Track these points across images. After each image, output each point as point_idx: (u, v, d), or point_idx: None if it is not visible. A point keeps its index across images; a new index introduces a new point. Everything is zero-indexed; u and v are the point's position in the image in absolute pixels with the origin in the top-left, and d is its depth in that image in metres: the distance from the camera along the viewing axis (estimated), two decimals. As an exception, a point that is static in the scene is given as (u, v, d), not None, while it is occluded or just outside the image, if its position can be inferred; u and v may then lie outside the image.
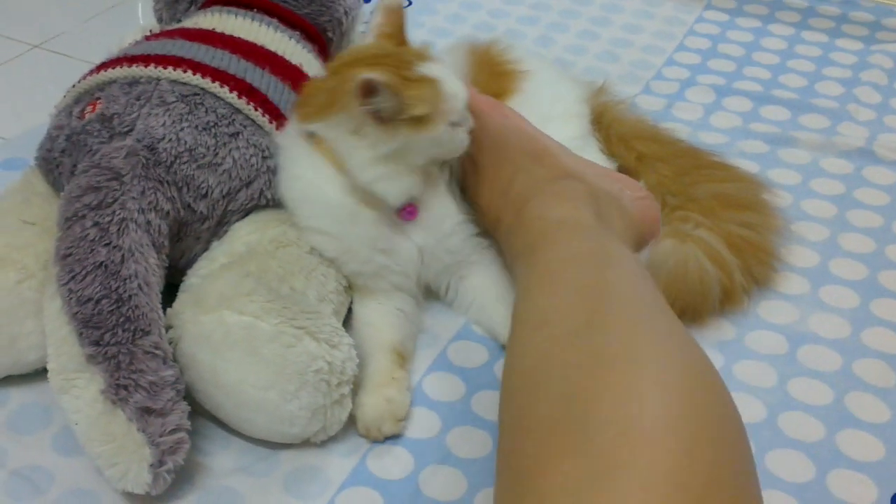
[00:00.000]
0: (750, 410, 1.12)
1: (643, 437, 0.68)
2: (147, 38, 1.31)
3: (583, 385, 0.74)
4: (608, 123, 1.46)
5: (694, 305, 1.23)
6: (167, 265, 1.10)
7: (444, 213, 1.19)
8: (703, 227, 1.29)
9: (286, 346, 1.00)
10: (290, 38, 1.36)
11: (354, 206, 1.12)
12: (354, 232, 1.14)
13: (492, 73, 1.38)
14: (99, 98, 1.17)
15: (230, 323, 1.00)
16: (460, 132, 1.13)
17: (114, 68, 1.20)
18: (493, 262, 1.25)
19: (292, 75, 1.28)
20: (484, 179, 1.21)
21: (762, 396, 1.14)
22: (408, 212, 1.15)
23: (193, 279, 1.11)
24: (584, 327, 0.81)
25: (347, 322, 1.19)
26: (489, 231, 1.23)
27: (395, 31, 1.15)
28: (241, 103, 1.18)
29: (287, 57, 1.32)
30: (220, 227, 1.16)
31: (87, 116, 1.16)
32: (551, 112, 1.38)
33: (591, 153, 1.39)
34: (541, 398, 0.77)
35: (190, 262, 1.15)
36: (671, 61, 1.85)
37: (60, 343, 0.99)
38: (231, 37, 1.29)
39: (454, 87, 1.10)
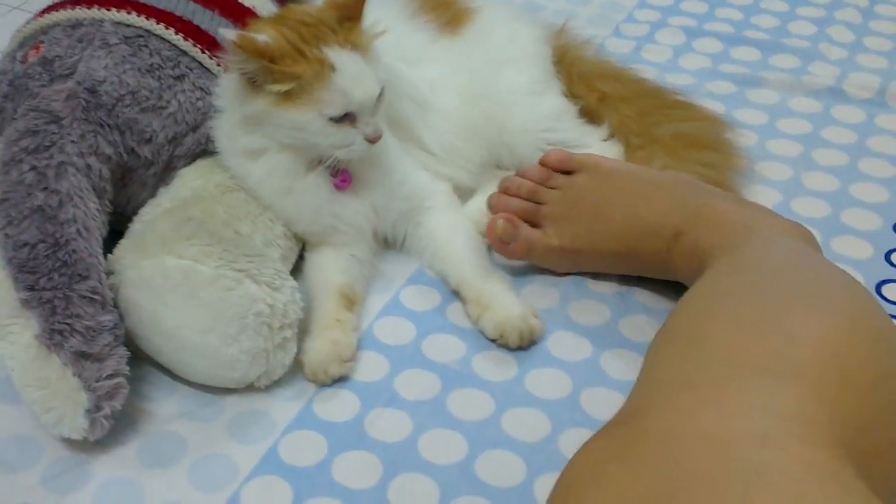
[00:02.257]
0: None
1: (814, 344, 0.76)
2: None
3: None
4: (569, 63, 1.43)
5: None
6: (111, 211, 1.09)
7: (389, 167, 1.17)
8: (666, 168, 1.28)
9: (225, 290, 0.99)
10: (247, -23, 1.33)
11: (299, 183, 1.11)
12: (291, 199, 1.13)
13: (438, 11, 1.34)
14: (42, 42, 1.15)
15: (170, 267, 0.99)
16: (348, 132, 1.06)
17: (57, 11, 1.18)
18: (448, 206, 1.23)
19: (243, 18, 1.26)
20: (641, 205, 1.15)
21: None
22: (341, 180, 1.13)
23: (137, 225, 1.10)
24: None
25: (299, 268, 1.18)
26: (657, 252, 1.13)
27: (351, 3, 1.08)
28: (188, 45, 1.16)
29: (248, 4, 1.29)
30: (166, 172, 1.15)
31: (30, 60, 1.14)
32: (506, 54, 1.35)
33: (553, 96, 1.37)
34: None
35: (136, 209, 1.14)
36: (643, 3, 1.82)
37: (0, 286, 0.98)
38: (183, -22, 1.26)
39: (352, 84, 1.03)
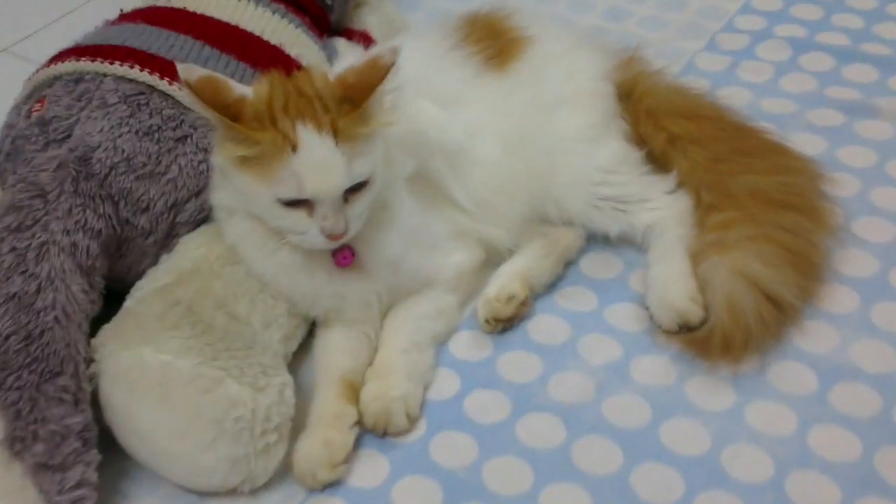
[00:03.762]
0: (756, 467, 0.97)
1: None
2: (111, 21, 1.21)
3: None
4: (638, 98, 1.27)
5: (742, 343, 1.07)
6: (103, 287, 1.03)
7: (399, 242, 1.06)
8: (748, 240, 1.11)
9: (203, 391, 0.92)
10: (274, 13, 1.23)
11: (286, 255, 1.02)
12: (287, 277, 1.04)
13: (486, 42, 1.19)
14: (45, 96, 1.09)
15: (147, 362, 0.93)
16: (301, 220, 0.95)
17: (63, 62, 1.11)
18: (449, 289, 1.13)
19: (267, 59, 1.16)
20: None
21: (773, 449, 0.99)
22: (342, 257, 1.02)
23: (128, 302, 1.03)
24: None
25: (310, 343, 1.09)
26: None
27: (359, 84, 0.95)
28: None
29: (265, 36, 1.19)
30: (168, 240, 1.08)
31: (33, 115, 1.08)
32: (559, 93, 1.20)
33: (611, 142, 1.21)
34: None
35: (138, 276, 1.07)
36: (747, 7, 1.61)
37: (-29, 381, 0.93)
38: (201, 17, 1.18)
39: (309, 171, 0.91)
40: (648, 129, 1.25)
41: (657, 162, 1.24)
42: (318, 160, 0.92)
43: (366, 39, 1.37)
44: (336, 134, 0.93)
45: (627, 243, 1.21)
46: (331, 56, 1.30)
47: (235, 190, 0.98)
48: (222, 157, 0.95)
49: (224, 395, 0.91)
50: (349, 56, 1.19)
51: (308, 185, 0.92)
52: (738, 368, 1.07)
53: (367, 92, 0.94)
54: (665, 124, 1.24)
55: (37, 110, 1.08)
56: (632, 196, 1.19)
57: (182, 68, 0.91)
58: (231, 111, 0.92)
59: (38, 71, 1.15)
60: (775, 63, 1.48)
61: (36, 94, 1.12)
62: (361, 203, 0.97)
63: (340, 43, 1.35)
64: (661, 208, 1.19)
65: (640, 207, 1.19)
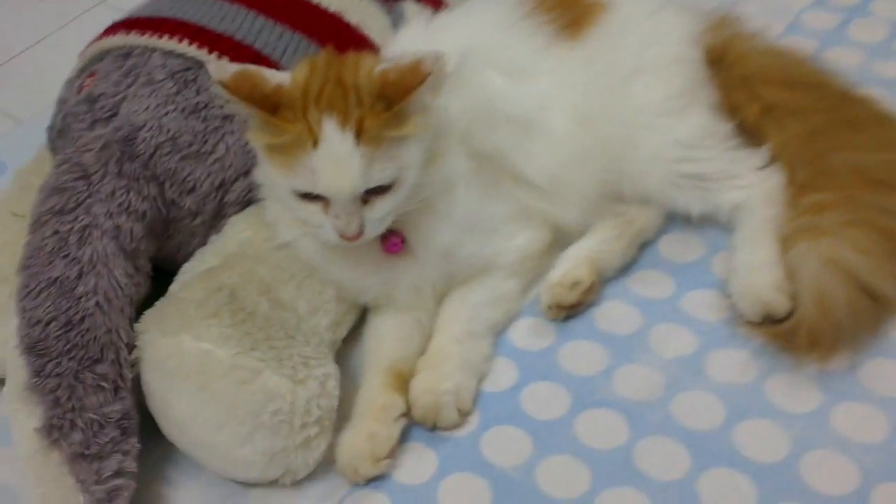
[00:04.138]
0: (840, 477, 0.88)
1: None
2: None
3: None
4: (731, 63, 1.15)
5: (831, 338, 0.97)
6: (150, 269, 1.01)
7: (454, 228, 1.00)
8: (844, 225, 1.00)
9: (240, 383, 0.88)
10: (336, -24, 1.17)
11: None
12: (334, 263, 0.99)
13: (560, 10, 1.11)
14: (96, 70, 1.07)
15: (186, 350, 0.90)
16: (316, 215, 0.90)
17: (114, 35, 1.09)
18: (511, 273, 1.06)
19: (324, 29, 1.11)
20: None
21: (859, 457, 0.90)
22: (391, 244, 0.97)
23: (174, 286, 1.01)
24: None
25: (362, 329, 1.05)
26: None
27: (397, 85, 0.88)
28: (241, 77, 1.03)
29: (324, 3, 1.14)
30: (216, 220, 1.05)
31: (83, 91, 1.06)
32: (639, 61, 1.11)
33: (696, 115, 1.10)
34: None
35: (188, 256, 1.05)
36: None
37: (14, 364, 0.93)
38: (258, -17, 1.12)
39: (324, 168, 0.87)
40: (740, 98, 1.14)
41: (749, 134, 1.13)
42: (334, 159, 0.87)
43: (435, 3, 1.29)
44: (360, 133, 0.87)
45: (712, 223, 1.12)
46: (397, 21, 1.23)
47: (264, 172, 0.95)
48: (253, 140, 0.92)
49: (262, 388, 0.88)
50: (412, 27, 1.13)
51: (320, 181, 0.87)
52: (826, 366, 0.97)
53: (403, 94, 0.87)
54: (759, 92, 1.13)
55: (87, 86, 1.06)
56: (717, 173, 1.09)
57: (213, 67, 0.87)
58: (269, 103, 0.88)
59: (90, 44, 1.13)
60: (893, 21, 1.33)
61: (87, 68, 1.10)
62: (384, 206, 0.91)
63: (409, 6, 1.27)
64: (750, 186, 1.09)
65: (726, 185, 1.09)
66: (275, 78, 0.89)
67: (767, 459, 0.91)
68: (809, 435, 0.92)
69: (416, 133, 0.90)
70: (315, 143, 0.87)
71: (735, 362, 0.99)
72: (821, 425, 0.92)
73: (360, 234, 0.90)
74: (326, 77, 0.89)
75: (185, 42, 1.04)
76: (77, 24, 1.70)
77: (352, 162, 0.87)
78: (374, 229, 0.92)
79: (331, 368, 0.94)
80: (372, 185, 0.89)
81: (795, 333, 0.97)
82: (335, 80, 0.89)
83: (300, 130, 0.87)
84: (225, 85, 0.87)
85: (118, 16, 1.15)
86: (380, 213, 0.91)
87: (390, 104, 0.88)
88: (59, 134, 1.08)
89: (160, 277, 1.03)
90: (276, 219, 1.00)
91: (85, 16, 1.71)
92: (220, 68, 0.87)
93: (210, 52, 1.03)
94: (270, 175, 0.93)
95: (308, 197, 0.90)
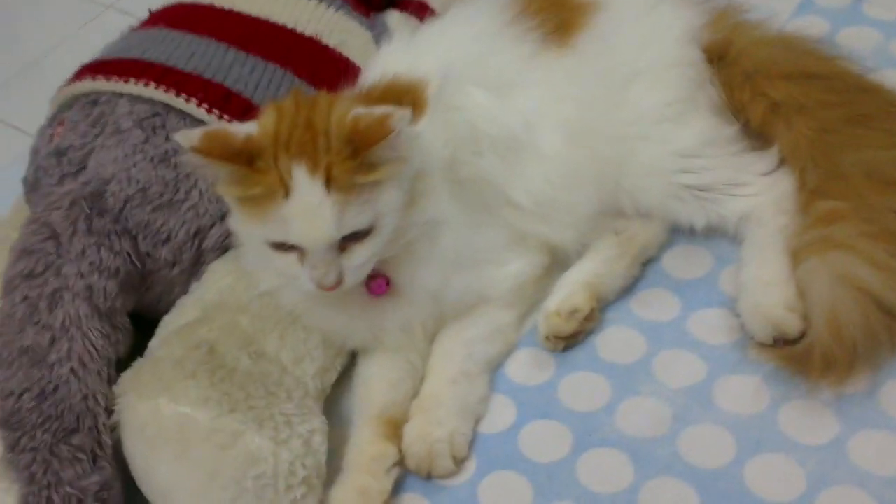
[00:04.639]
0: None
1: None
2: (137, 27, 1.14)
3: None
4: (734, 58, 1.08)
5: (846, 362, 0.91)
6: (128, 325, 0.98)
7: (439, 266, 0.95)
8: (858, 238, 0.94)
9: (221, 447, 0.85)
10: (309, -1, 1.12)
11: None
12: (317, 308, 0.95)
13: (546, 13, 1.04)
14: (64, 119, 1.04)
15: (164, 414, 0.87)
16: (292, 265, 0.86)
17: (82, 80, 1.05)
18: (505, 305, 1.01)
19: (300, 56, 1.07)
20: None
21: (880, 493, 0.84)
22: (376, 286, 0.92)
23: (153, 341, 0.97)
24: None
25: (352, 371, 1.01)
26: None
27: (366, 133, 0.83)
28: (211, 118, 0.99)
29: (299, 28, 1.09)
30: (196, 267, 1.01)
31: (54, 140, 1.03)
32: (634, 65, 1.04)
33: (696, 121, 1.04)
34: None
35: (169, 306, 1.01)
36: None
37: (-9, 437, 0.91)
38: (227, 14, 1.09)
39: (296, 219, 0.83)
40: (745, 97, 1.07)
41: (756, 136, 1.06)
42: (306, 208, 0.83)
43: (422, 10, 1.23)
44: (329, 180, 0.82)
45: (719, 234, 1.05)
46: (380, 34, 1.17)
47: (234, 221, 0.91)
48: (224, 194, 0.88)
49: (243, 451, 0.85)
50: (394, 44, 1.07)
51: (293, 231, 0.83)
52: (843, 390, 0.91)
53: (368, 145, 0.83)
54: (765, 89, 1.06)
55: (57, 134, 1.03)
56: (721, 182, 1.03)
57: (179, 137, 0.84)
58: (243, 157, 0.84)
59: (60, 89, 1.09)
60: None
61: (57, 116, 1.07)
62: (363, 253, 0.86)
63: (393, 17, 1.22)
64: (758, 194, 1.03)
65: (732, 194, 1.04)
66: (241, 130, 0.85)
67: (783, 498, 0.85)
68: (826, 470, 0.86)
69: (389, 178, 0.85)
70: (286, 193, 0.83)
71: (746, 390, 0.94)
72: (838, 459, 0.87)
73: (339, 283, 0.86)
74: (295, 121, 0.85)
75: (152, 85, 1.00)
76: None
77: (323, 210, 0.83)
78: (354, 277, 0.88)
79: (316, 423, 0.90)
80: (346, 231, 0.85)
81: (809, 356, 0.91)
82: (304, 125, 0.85)
83: (271, 181, 0.83)
84: (196, 150, 0.83)
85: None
86: (359, 260, 0.87)
87: (356, 152, 0.83)
88: (32, 187, 1.05)
89: (145, 326, 1.00)
90: (254, 266, 0.96)
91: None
92: (187, 137, 0.83)
93: (178, 94, 1.00)
94: (242, 226, 0.89)
95: (283, 247, 0.86)
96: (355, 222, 0.84)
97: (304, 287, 0.87)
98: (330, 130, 0.84)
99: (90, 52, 1.12)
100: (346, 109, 0.86)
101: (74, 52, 1.18)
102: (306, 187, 0.82)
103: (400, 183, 0.87)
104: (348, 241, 0.85)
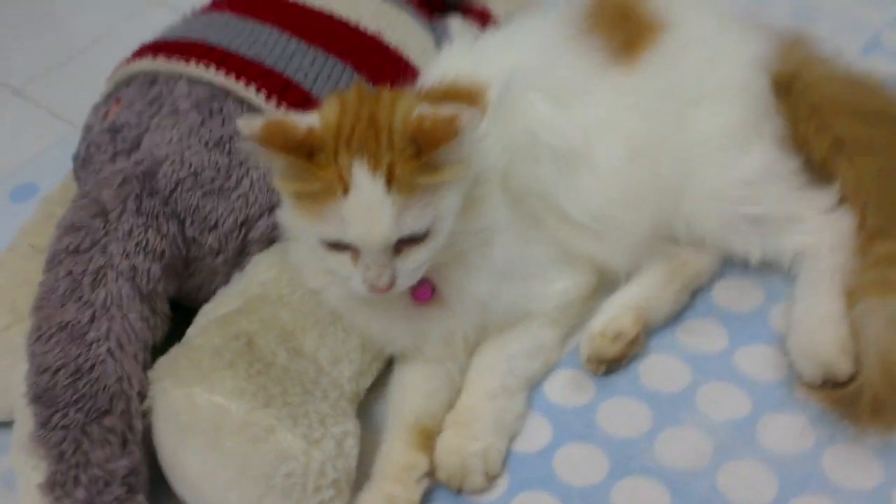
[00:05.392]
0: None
1: None
2: (200, 10, 1.13)
3: None
4: (801, 91, 1.06)
5: None
6: (168, 310, 0.96)
7: (488, 276, 0.93)
8: None
9: (253, 441, 0.83)
10: (376, -9, 1.11)
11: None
12: (361, 312, 0.94)
13: (614, 29, 1.02)
14: (120, 97, 1.03)
15: (199, 403, 0.85)
16: (345, 265, 0.84)
17: (141, 59, 1.04)
18: (550, 322, 0.99)
19: (361, 52, 1.05)
20: None
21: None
22: (420, 292, 0.91)
23: (191, 329, 0.96)
24: None
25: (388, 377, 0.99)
26: None
27: (432, 133, 0.81)
28: (269, 106, 0.98)
29: (362, 23, 1.08)
30: (239, 257, 0.99)
31: (108, 118, 1.02)
32: (699, 88, 1.02)
33: (760, 149, 1.02)
34: None
35: (209, 296, 1.00)
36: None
37: (22, 413, 0.89)
38: (292, 4, 1.07)
39: (354, 217, 0.81)
40: (810, 131, 1.04)
41: (817, 171, 1.04)
42: (364, 206, 0.81)
43: (483, 18, 1.22)
44: (391, 179, 0.80)
45: (773, 270, 1.03)
46: (441, 38, 1.16)
47: (290, 217, 0.89)
48: (280, 188, 0.86)
49: (275, 447, 0.83)
50: (455, 48, 1.05)
51: (351, 230, 0.81)
52: (891, 438, 0.88)
53: (433, 145, 0.81)
54: (831, 125, 1.03)
55: (112, 112, 1.02)
56: (780, 215, 1.01)
57: (241, 124, 0.81)
58: (303, 150, 0.82)
59: (118, 67, 1.09)
60: None
61: (114, 93, 1.06)
62: (418, 257, 0.84)
63: (454, 23, 1.21)
64: (816, 231, 1.01)
65: (790, 229, 1.01)
66: (303, 121, 0.83)
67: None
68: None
69: (451, 180, 0.84)
70: (345, 190, 0.81)
71: (791, 429, 0.91)
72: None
73: (391, 285, 0.84)
74: (358, 115, 0.83)
75: (213, 68, 0.99)
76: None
77: (383, 210, 0.81)
78: (406, 281, 0.86)
79: (350, 426, 0.88)
80: (404, 233, 0.83)
81: (858, 400, 0.88)
82: (367, 119, 0.83)
83: (331, 177, 0.81)
84: (256, 138, 0.81)
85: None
86: (413, 264, 0.85)
87: (420, 152, 0.81)
88: (82, 163, 1.04)
89: (181, 315, 0.99)
90: (302, 262, 0.95)
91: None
92: (247, 124, 0.81)
93: (237, 78, 0.98)
94: (296, 222, 0.87)
95: (337, 246, 0.84)
96: (414, 224, 0.82)
97: (355, 288, 0.85)
98: (394, 127, 0.82)
99: (131, 45, 1.11)
100: (411, 107, 0.84)
101: (116, 46, 1.17)
102: (367, 185, 0.80)
103: (460, 187, 0.85)
104: (404, 243, 0.83)
